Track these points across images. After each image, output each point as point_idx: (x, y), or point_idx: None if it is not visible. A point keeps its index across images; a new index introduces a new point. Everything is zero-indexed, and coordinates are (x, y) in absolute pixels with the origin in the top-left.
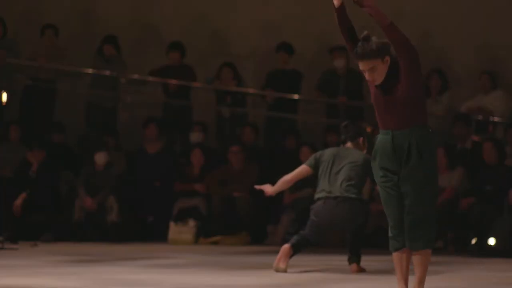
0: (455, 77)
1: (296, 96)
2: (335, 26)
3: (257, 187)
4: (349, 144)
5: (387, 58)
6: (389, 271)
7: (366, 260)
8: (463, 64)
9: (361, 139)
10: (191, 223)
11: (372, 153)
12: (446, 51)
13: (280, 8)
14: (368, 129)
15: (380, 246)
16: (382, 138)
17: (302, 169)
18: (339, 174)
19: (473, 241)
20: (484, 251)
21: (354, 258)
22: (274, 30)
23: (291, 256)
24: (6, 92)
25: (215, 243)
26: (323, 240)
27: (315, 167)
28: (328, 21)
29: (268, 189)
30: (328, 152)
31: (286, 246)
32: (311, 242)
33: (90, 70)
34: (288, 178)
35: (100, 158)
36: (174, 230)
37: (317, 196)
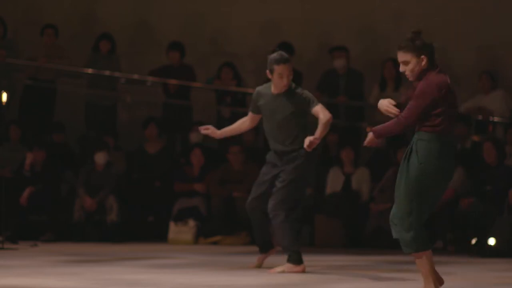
0: (455, 77)
1: None
2: (335, 26)
3: (201, 129)
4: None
5: (424, 57)
6: (388, 271)
7: (366, 260)
8: (463, 64)
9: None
10: (191, 223)
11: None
12: (446, 51)
13: (280, 8)
14: (368, 129)
15: (381, 246)
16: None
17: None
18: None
19: (473, 241)
20: (484, 251)
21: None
22: (274, 30)
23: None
24: (6, 92)
25: (215, 243)
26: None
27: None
28: (328, 21)
29: (211, 130)
30: (261, 98)
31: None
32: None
33: (90, 70)
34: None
35: (100, 158)
36: (174, 230)
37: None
